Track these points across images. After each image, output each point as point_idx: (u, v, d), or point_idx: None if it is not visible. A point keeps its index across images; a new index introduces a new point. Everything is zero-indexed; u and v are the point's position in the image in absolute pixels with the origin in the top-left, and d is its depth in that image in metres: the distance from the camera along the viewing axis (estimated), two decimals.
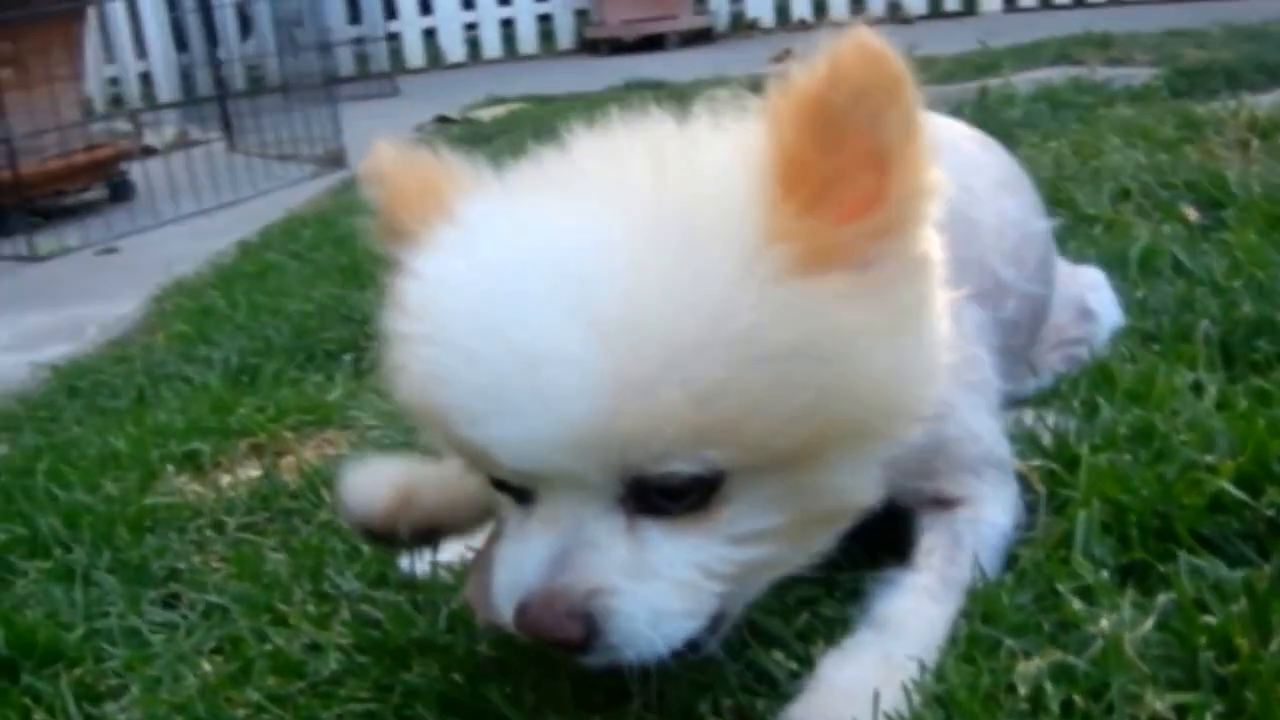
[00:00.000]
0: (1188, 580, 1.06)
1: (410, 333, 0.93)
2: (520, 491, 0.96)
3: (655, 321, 0.84)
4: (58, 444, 2.14)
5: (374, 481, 1.19)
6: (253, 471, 1.90)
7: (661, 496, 0.89)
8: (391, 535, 1.19)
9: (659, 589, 0.90)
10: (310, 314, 2.77)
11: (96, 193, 5.38)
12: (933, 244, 0.96)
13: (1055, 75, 4.36)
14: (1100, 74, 4.23)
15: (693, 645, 0.95)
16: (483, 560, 1.05)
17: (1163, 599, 1.04)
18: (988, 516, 1.16)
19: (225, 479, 1.90)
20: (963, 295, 1.22)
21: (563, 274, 0.86)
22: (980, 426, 1.20)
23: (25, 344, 3.12)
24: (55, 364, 2.78)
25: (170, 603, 1.49)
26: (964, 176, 1.34)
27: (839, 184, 0.87)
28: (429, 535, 1.19)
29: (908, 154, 0.89)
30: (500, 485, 0.98)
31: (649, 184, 0.89)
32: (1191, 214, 2.19)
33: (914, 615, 1.07)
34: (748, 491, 0.90)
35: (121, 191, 5.39)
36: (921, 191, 0.91)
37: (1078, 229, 2.18)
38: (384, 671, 1.20)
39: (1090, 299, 1.61)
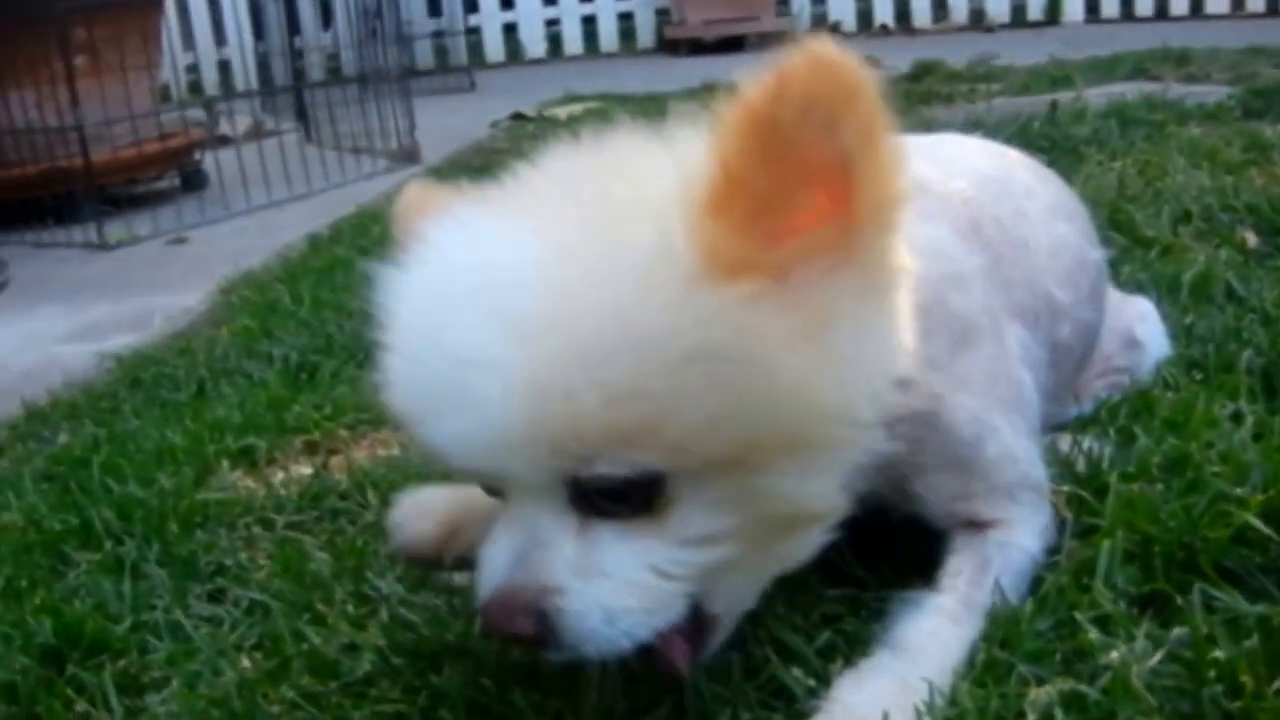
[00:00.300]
0: (1201, 613, 1.06)
1: (381, 341, 1.00)
2: (496, 493, 1.00)
3: (568, 326, 0.87)
4: (116, 436, 2.19)
5: (421, 514, 1.26)
6: (305, 469, 1.94)
7: (604, 499, 0.92)
8: (438, 563, 1.25)
9: (609, 588, 0.93)
10: (371, 314, 2.80)
11: (169, 182, 5.48)
12: (899, 254, 0.96)
13: (1130, 90, 4.31)
14: (1175, 91, 4.18)
15: (695, 651, 0.99)
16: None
17: (1178, 631, 1.05)
18: (1018, 541, 1.16)
19: (278, 476, 1.93)
20: (1007, 315, 1.23)
21: (488, 283, 0.90)
22: (1019, 448, 1.20)
23: (91, 333, 3.19)
24: (119, 354, 2.84)
25: (216, 597, 1.53)
26: (1018, 200, 1.37)
27: (784, 200, 0.88)
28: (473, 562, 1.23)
29: (868, 165, 0.89)
30: (486, 488, 1.02)
31: (579, 197, 0.93)
32: (1251, 239, 2.17)
33: (932, 638, 1.08)
34: (694, 495, 0.92)
35: (194, 181, 5.48)
36: (886, 202, 0.91)
37: (1134, 253, 2.17)
38: (415, 674, 1.23)
39: (1138, 329, 1.61)
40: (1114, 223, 2.34)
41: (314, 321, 2.84)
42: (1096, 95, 4.19)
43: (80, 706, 1.30)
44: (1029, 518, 1.18)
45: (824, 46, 0.85)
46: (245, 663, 1.33)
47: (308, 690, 1.24)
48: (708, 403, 0.88)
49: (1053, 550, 1.21)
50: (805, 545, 1.03)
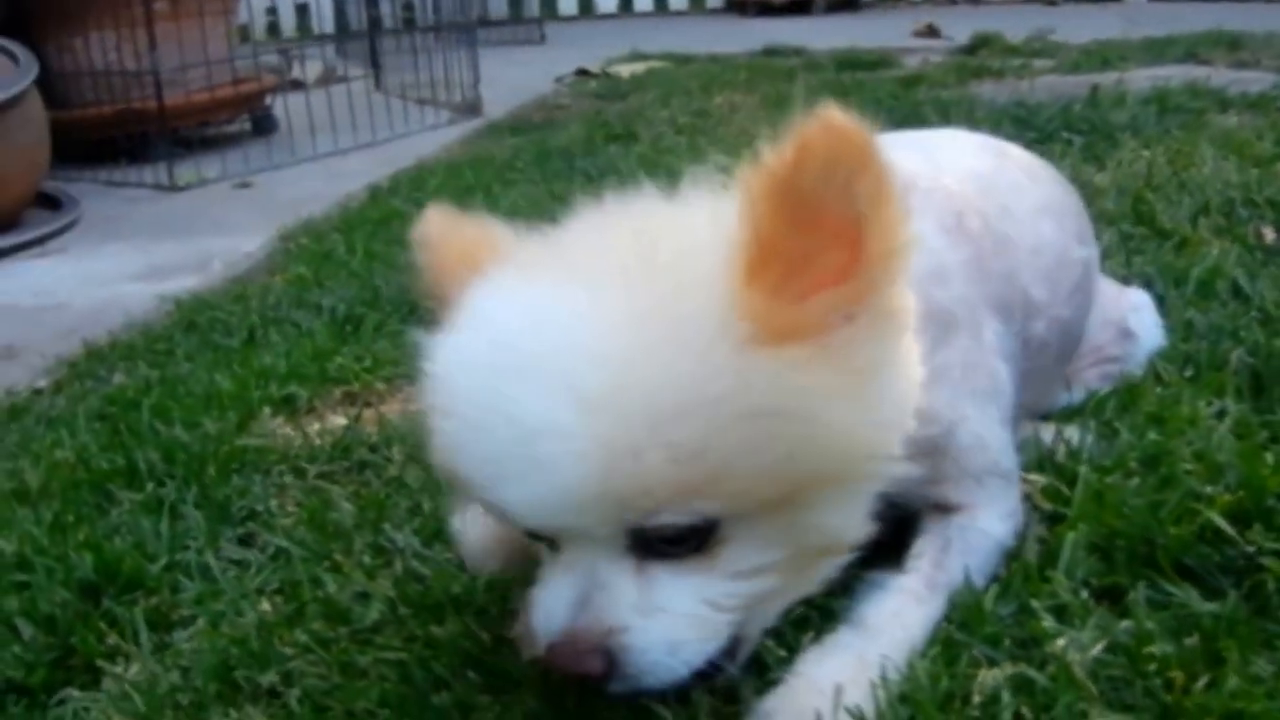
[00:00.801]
0: (1147, 609, 1.10)
1: (433, 403, 1.04)
2: (549, 540, 1.05)
3: (636, 392, 0.92)
4: (167, 379, 2.27)
5: (487, 537, 1.34)
6: (341, 420, 2.00)
7: (663, 543, 0.98)
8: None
9: (669, 623, 0.99)
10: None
11: (239, 125, 5.57)
12: (904, 296, 1.01)
13: (1178, 74, 4.25)
14: (1221, 77, 4.11)
15: (715, 667, 1.04)
16: (526, 603, 1.14)
17: (1125, 624, 1.08)
18: (982, 525, 1.21)
19: (315, 425, 2.00)
20: (985, 307, 1.27)
21: (554, 353, 0.95)
22: (990, 436, 1.24)
23: (154, 274, 3.29)
24: (178, 297, 2.93)
25: (246, 541, 1.60)
26: (1004, 197, 1.40)
27: (810, 260, 0.94)
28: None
29: (879, 221, 0.94)
30: (532, 535, 1.07)
31: (632, 267, 0.97)
32: (1269, 235, 2.15)
33: (894, 618, 1.12)
34: (744, 533, 0.99)
35: (264, 125, 5.56)
36: (894, 252, 0.96)
37: (1150, 244, 2.16)
38: (419, 624, 1.30)
39: (1132, 320, 1.63)
40: (1136, 213, 2.34)
41: (364, 273, 2.91)
42: (1145, 77, 4.14)
43: (112, 639, 1.38)
44: (995, 503, 1.22)
45: (836, 114, 0.90)
46: (266, 606, 1.40)
47: (319, 635, 1.30)
48: (763, 455, 0.94)
49: (1021, 535, 1.25)
50: (832, 569, 1.09)
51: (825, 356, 0.95)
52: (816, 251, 0.94)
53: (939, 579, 1.16)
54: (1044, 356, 1.40)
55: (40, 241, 3.81)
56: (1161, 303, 1.85)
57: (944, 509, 1.21)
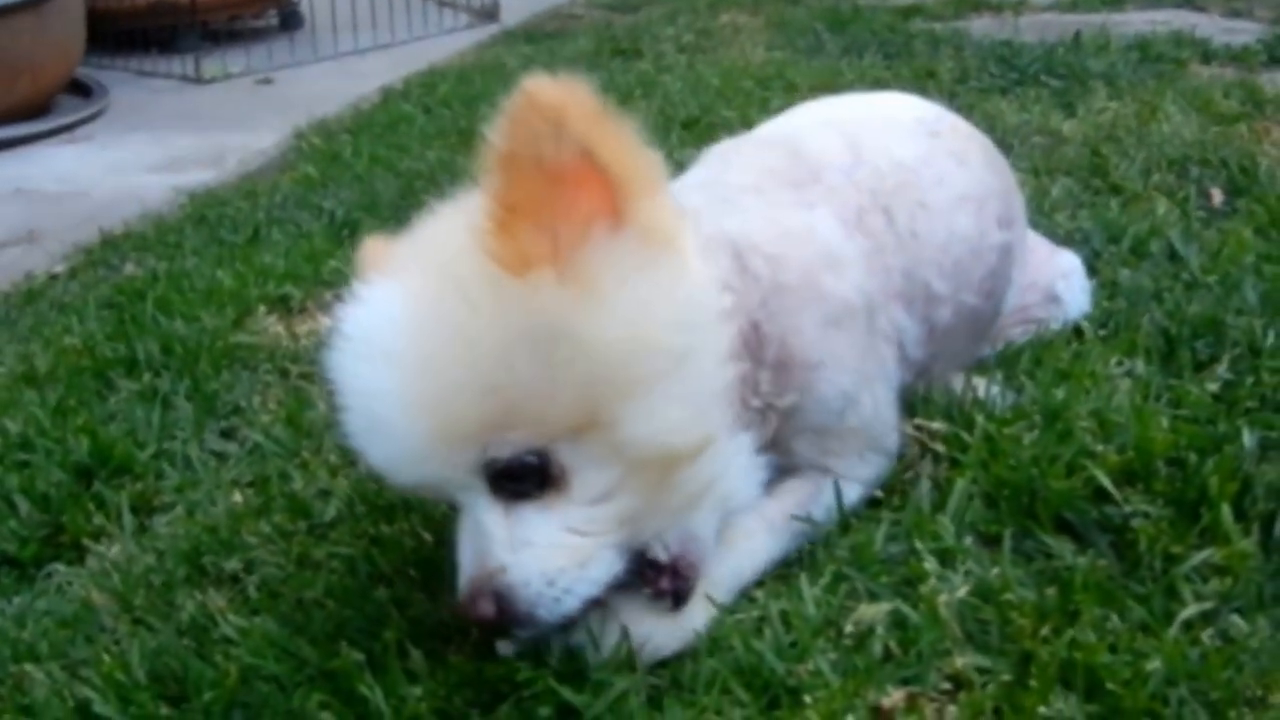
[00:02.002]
0: (1018, 557, 1.16)
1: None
2: (448, 505, 1.13)
3: (429, 348, 1.00)
4: (173, 272, 2.32)
5: None
6: (329, 322, 2.06)
7: (512, 482, 1.03)
8: None
9: (540, 555, 1.03)
10: (420, 173, 2.89)
11: (266, 21, 5.55)
12: (664, 213, 1.04)
13: (1171, 19, 4.18)
14: (1213, 25, 4.04)
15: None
16: None
17: (995, 570, 1.14)
18: (850, 490, 1.26)
19: (305, 325, 2.06)
20: (884, 297, 1.31)
21: (377, 333, 1.03)
22: (877, 419, 1.28)
23: (172, 166, 3.32)
24: (192, 191, 2.97)
25: (228, 434, 1.67)
26: (923, 192, 1.41)
27: (549, 204, 0.98)
28: None
29: (603, 153, 0.98)
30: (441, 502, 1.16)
31: (430, 251, 1.05)
32: (1217, 196, 2.14)
33: (745, 537, 1.18)
34: (579, 460, 1.03)
35: (291, 21, 5.54)
36: (633, 174, 1.00)
37: (1099, 200, 2.17)
38: (371, 522, 1.36)
39: (1060, 286, 1.63)
40: (1091, 166, 2.35)
41: (366, 177, 2.94)
42: (1141, 21, 4.09)
43: (98, 520, 1.45)
44: (867, 474, 1.28)
45: (537, 84, 0.95)
46: (237, 497, 1.47)
47: (281, 528, 1.37)
48: (546, 378, 0.98)
49: (913, 484, 1.31)
50: (705, 478, 1.10)
51: (565, 275, 0.98)
52: (553, 195, 0.98)
53: (795, 520, 1.21)
54: (952, 339, 1.43)
55: (69, 129, 3.84)
56: (1096, 258, 1.87)
57: (823, 470, 1.26)
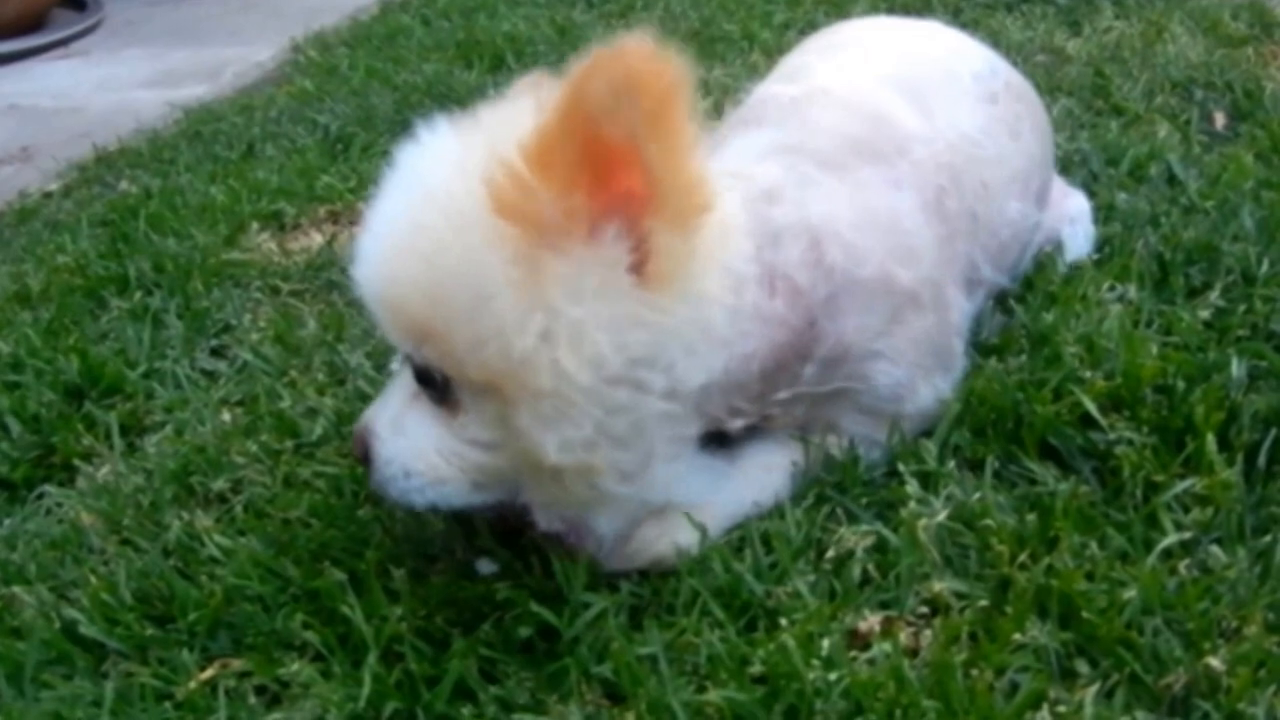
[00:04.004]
0: (998, 482, 1.16)
1: None
2: None
3: (402, 237, 1.01)
4: (167, 189, 2.30)
5: None
6: (320, 239, 2.04)
7: (421, 380, 1.05)
8: None
9: (407, 449, 1.06)
10: (415, 87, 2.84)
11: None
12: (693, 253, 1.00)
13: None
14: None
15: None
16: None
17: (977, 495, 1.13)
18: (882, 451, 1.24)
19: (297, 242, 2.04)
20: (953, 285, 1.26)
21: (392, 198, 1.05)
22: (934, 408, 1.24)
23: (168, 81, 3.27)
24: (187, 106, 2.93)
25: (218, 352, 1.66)
26: (985, 169, 1.34)
27: (583, 171, 0.94)
28: None
29: (655, 152, 0.93)
30: None
31: (444, 149, 1.03)
32: (1220, 119, 2.09)
33: (766, 471, 1.18)
34: (474, 406, 1.03)
35: None
36: (676, 194, 0.96)
37: (1099, 121, 2.12)
38: None
39: (1065, 231, 1.58)
40: (1094, 86, 2.30)
41: (362, 91, 2.90)
42: None
43: (87, 440, 1.45)
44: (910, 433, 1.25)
45: (634, 44, 0.90)
46: (226, 416, 1.47)
47: (269, 447, 1.37)
48: (467, 329, 0.98)
49: None
50: (601, 490, 1.06)
51: (548, 259, 0.96)
52: (585, 169, 0.94)
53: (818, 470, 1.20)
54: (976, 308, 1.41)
55: (64, 43, 3.78)
56: (1094, 181, 1.84)
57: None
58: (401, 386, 1.09)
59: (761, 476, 1.17)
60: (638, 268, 0.97)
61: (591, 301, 0.97)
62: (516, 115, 1.01)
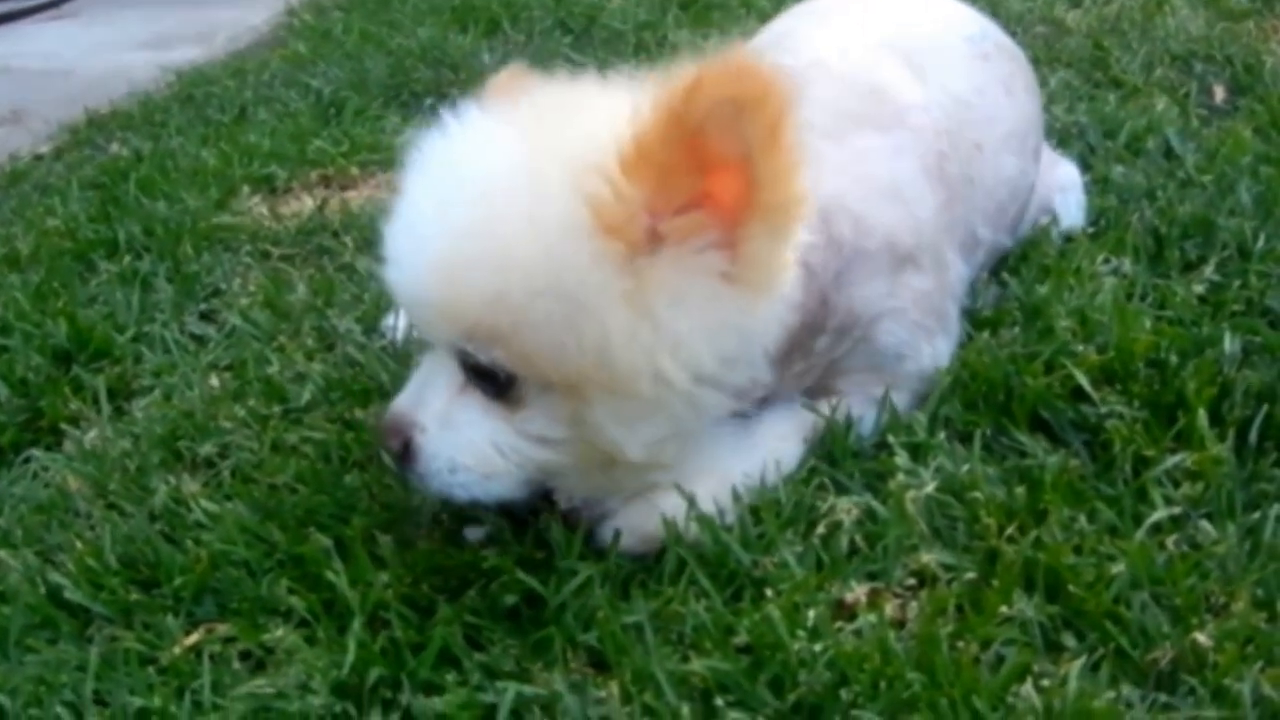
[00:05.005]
0: (987, 454, 1.15)
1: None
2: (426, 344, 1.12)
3: (475, 233, 0.99)
4: (158, 152, 2.29)
5: None
6: (311, 203, 2.03)
7: (475, 375, 1.03)
8: None
9: (456, 443, 1.05)
10: (410, 51, 2.82)
11: None
12: (780, 261, 1.01)
13: None
14: None
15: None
16: None
17: (966, 467, 1.13)
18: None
19: (288, 206, 2.03)
20: (951, 249, 1.27)
21: (449, 182, 1.04)
22: (934, 368, 1.25)
23: (160, 43, 3.25)
24: (180, 69, 2.91)
25: (207, 317, 1.66)
26: (980, 131, 1.35)
27: (683, 183, 0.95)
28: None
29: (766, 168, 0.94)
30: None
31: (533, 134, 1.02)
32: (1220, 93, 2.08)
33: (779, 441, 1.17)
34: (539, 401, 1.02)
35: None
36: (779, 208, 0.97)
37: (1098, 93, 2.10)
38: (345, 407, 1.36)
39: (1057, 200, 1.58)
40: (1093, 58, 2.28)
41: (356, 55, 2.88)
42: None
43: (75, 404, 1.44)
44: (905, 403, 1.24)
45: (744, 57, 0.92)
46: (214, 381, 1.46)
47: (256, 412, 1.36)
48: (550, 332, 0.97)
49: None
50: (644, 478, 1.08)
51: (640, 269, 0.96)
52: (690, 176, 0.95)
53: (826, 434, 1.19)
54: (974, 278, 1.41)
55: (56, 4, 3.75)
56: (1091, 153, 1.83)
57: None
58: (443, 379, 1.06)
59: (778, 446, 1.16)
60: (731, 274, 0.98)
61: (691, 308, 0.98)
62: (582, 114, 1.01)
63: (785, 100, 0.93)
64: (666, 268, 0.97)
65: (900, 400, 1.22)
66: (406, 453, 1.06)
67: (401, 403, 1.08)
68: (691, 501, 1.08)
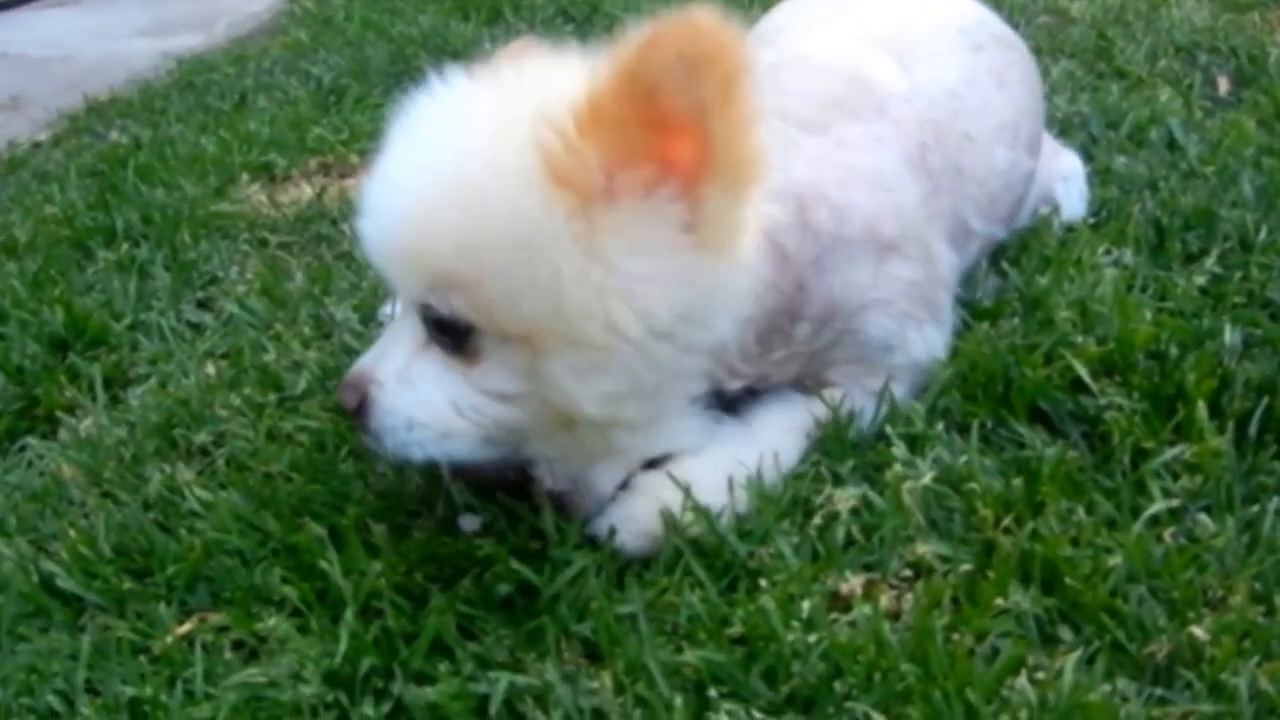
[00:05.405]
0: (984, 445, 1.15)
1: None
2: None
3: (440, 186, 1.00)
4: (158, 139, 2.28)
5: None
6: (310, 191, 2.02)
7: (435, 328, 1.03)
8: None
9: (414, 400, 1.05)
10: (411, 39, 2.81)
11: None
12: (742, 218, 1.00)
13: None
14: None
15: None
16: None
17: (964, 458, 1.12)
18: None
19: (288, 194, 2.02)
20: (938, 238, 1.26)
21: (423, 141, 1.04)
22: (928, 359, 1.24)
23: (161, 30, 3.24)
24: (180, 56, 2.90)
25: (204, 305, 1.65)
26: (969, 121, 1.34)
27: (636, 135, 0.94)
28: None
29: (722, 124, 0.93)
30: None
31: (501, 96, 1.03)
32: (1224, 85, 2.06)
33: (782, 435, 1.16)
34: (497, 356, 1.02)
35: None
36: (737, 166, 0.96)
37: (1101, 84, 2.09)
38: None
39: (1059, 189, 1.58)
40: (1096, 49, 2.27)
41: (358, 42, 2.87)
42: None
43: (70, 393, 1.44)
44: (903, 393, 1.23)
45: (702, 13, 0.91)
46: (210, 369, 1.45)
47: (252, 400, 1.36)
48: (509, 279, 0.97)
49: None
50: (615, 444, 1.08)
51: (599, 221, 0.96)
52: (646, 132, 0.95)
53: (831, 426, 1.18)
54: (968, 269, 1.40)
55: None
56: (1093, 144, 1.82)
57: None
58: (405, 336, 1.07)
59: (778, 439, 1.15)
60: (690, 229, 0.98)
61: (645, 255, 0.98)
62: (555, 75, 1.01)
63: (740, 58, 0.92)
64: (622, 216, 0.97)
65: (896, 392, 1.22)
66: (362, 409, 1.05)
67: (363, 361, 1.09)
68: (687, 492, 1.07)
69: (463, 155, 1.00)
